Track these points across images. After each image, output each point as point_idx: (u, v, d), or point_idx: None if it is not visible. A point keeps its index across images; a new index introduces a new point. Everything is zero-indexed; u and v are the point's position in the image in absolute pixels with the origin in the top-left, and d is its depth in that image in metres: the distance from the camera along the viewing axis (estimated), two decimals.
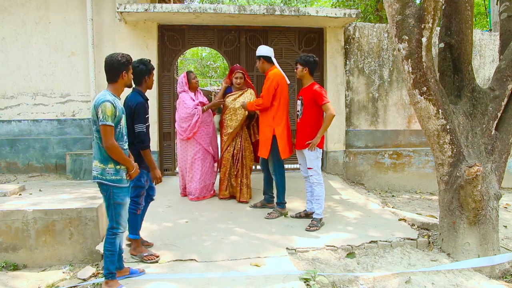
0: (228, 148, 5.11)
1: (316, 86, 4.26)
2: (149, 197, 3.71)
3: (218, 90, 6.47)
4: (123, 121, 2.97)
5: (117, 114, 2.85)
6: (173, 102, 6.41)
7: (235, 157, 5.09)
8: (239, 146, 5.10)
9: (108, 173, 2.86)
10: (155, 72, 3.77)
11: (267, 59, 4.61)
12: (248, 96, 5.13)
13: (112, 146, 2.81)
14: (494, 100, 3.81)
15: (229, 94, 5.15)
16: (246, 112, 5.02)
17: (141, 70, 3.49)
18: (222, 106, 5.26)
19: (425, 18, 3.41)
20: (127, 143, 3.03)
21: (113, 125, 2.80)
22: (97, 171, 2.89)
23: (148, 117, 3.50)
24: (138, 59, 3.53)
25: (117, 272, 3.05)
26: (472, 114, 3.84)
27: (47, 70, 6.39)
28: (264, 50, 4.62)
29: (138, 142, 3.35)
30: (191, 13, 5.80)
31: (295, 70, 4.39)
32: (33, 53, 6.35)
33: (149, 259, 3.40)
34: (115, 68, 2.91)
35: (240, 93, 5.15)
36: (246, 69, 6.64)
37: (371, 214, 4.77)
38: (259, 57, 4.61)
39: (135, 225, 3.51)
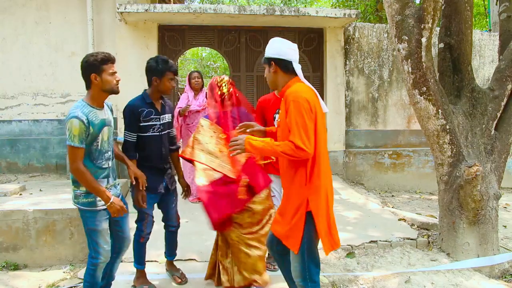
0: None
1: None
2: (167, 225, 3.14)
3: None
4: (106, 135, 2.46)
5: (91, 131, 2.34)
6: (173, 102, 6.42)
7: None
8: None
9: (79, 196, 2.42)
10: None
11: (283, 65, 2.39)
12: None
13: (77, 171, 2.31)
14: (494, 100, 3.81)
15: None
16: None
17: (150, 68, 2.86)
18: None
19: (424, 18, 3.42)
20: (109, 160, 2.52)
21: (81, 146, 2.30)
22: (71, 194, 2.47)
23: (144, 125, 2.83)
24: (156, 56, 2.97)
25: None
26: (472, 114, 3.85)
27: (47, 70, 6.39)
28: (276, 47, 2.51)
29: (123, 151, 2.83)
30: (191, 13, 5.81)
31: None
32: (33, 53, 6.36)
33: None
34: (83, 72, 2.40)
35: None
36: (246, 70, 6.66)
37: (371, 214, 4.78)
38: (274, 59, 2.46)
39: (138, 253, 3.00)
